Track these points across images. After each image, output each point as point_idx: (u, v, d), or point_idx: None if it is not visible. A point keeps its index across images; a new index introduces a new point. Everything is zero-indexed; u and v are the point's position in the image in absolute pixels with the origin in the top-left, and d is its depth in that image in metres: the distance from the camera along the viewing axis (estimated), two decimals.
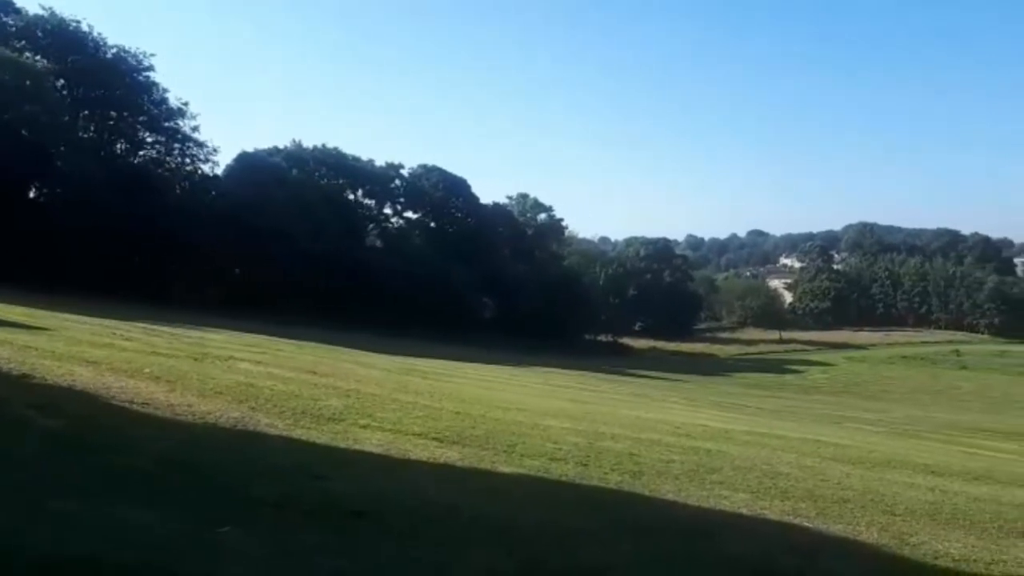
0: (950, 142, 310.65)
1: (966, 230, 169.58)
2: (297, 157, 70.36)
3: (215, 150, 59.91)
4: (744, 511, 6.64)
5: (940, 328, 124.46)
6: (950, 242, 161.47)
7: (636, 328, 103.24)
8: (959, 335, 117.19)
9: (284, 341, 24.74)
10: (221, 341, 19.70)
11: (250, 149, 67.10)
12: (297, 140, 72.58)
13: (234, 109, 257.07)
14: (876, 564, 5.56)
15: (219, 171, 62.04)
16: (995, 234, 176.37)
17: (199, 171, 60.36)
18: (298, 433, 7.53)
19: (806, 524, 6.37)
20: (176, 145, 58.27)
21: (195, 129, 58.17)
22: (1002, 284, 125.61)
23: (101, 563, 3.58)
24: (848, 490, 7.98)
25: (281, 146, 71.60)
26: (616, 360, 69.78)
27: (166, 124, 57.16)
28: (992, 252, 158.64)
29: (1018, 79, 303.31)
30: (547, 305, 70.56)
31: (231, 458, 6.22)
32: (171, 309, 35.12)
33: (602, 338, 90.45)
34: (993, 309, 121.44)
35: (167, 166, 58.96)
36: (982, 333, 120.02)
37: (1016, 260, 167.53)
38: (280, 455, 6.67)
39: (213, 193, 59.81)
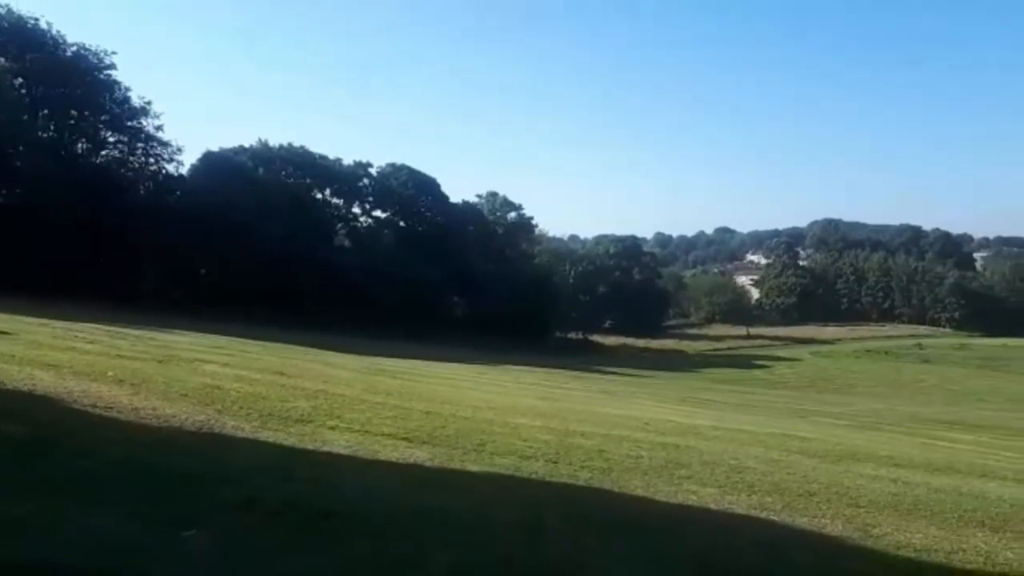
0: (912, 141, 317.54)
1: (928, 226, 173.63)
2: (263, 156, 69.54)
3: (179, 149, 59.06)
4: (712, 506, 6.71)
5: (903, 323, 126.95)
6: (912, 238, 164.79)
7: (606, 325, 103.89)
8: (921, 329, 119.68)
9: (251, 342, 24.47)
10: (187, 343, 19.43)
11: (215, 148, 66.29)
12: (263, 139, 71.73)
13: (199, 109, 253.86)
14: (841, 556, 5.64)
15: (184, 171, 61.21)
16: (955, 230, 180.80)
17: (163, 171, 59.43)
18: (265, 435, 7.45)
19: (772, 518, 6.46)
20: (139, 144, 57.28)
21: (159, 128, 57.29)
22: (962, 279, 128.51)
23: (58, 568, 3.51)
24: (814, 483, 8.09)
25: (247, 145, 70.77)
26: (586, 357, 70.09)
27: (128, 123, 56.15)
28: (952, 248, 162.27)
29: (977, 80, 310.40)
30: (517, 303, 70.60)
31: (196, 461, 6.13)
32: (136, 311, 34.51)
33: (572, 336, 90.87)
34: (954, 303, 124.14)
35: (130, 166, 57.94)
36: (943, 327, 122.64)
37: (976, 255, 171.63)
38: (247, 457, 6.60)
39: (178, 193, 58.94)
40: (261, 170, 66.98)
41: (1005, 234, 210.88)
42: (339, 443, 7.48)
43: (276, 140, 72.16)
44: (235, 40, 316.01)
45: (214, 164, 61.95)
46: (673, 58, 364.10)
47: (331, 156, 74.61)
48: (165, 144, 57.81)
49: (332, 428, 8.19)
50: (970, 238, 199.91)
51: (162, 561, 3.84)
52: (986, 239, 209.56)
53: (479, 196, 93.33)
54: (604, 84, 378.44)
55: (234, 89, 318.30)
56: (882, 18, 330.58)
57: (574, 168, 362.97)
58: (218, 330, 28.53)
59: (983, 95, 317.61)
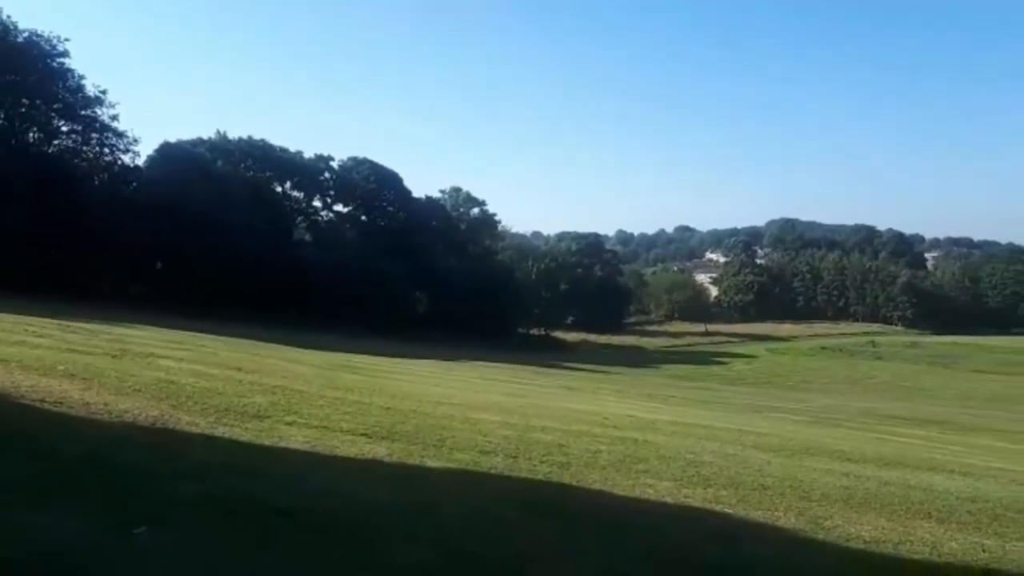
0: (868, 142, 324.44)
1: (881, 226, 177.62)
2: (222, 148, 68.45)
3: (135, 140, 57.73)
4: (668, 499, 6.80)
5: (857, 320, 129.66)
6: (867, 238, 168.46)
7: (568, 321, 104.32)
8: (875, 327, 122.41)
9: (208, 337, 24.07)
10: (142, 337, 19.03)
11: (173, 140, 64.99)
12: (222, 131, 70.60)
13: (157, 100, 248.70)
14: (793, 548, 5.75)
15: (140, 162, 59.95)
16: (908, 230, 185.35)
17: (119, 162, 58.05)
18: (221, 431, 7.34)
19: (727, 511, 6.56)
20: (93, 134, 55.85)
21: (114, 118, 55.92)
22: (914, 278, 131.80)
23: (5, 566, 3.43)
24: (768, 477, 8.24)
25: (206, 137, 69.56)
26: (548, 353, 70.29)
27: (82, 112, 54.70)
28: (905, 248, 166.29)
29: (929, 84, 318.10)
30: (480, 299, 70.53)
31: (149, 457, 6.01)
32: (90, 305, 33.66)
33: (535, 332, 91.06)
34: (906, 302, 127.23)
35: (84, 156, 56.50)
36: (896, 325, 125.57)
37: (927, 255, 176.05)
38: (201, 453, 6.49)
39: (134, 185, 57.70)
40: (220, 162, 65.93)
41: (955, 235, 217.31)
42: (297, 439, 7.40)
43: (236, 132, 71.22)
44: (194, 31, 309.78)
45: (171, 156, 60.73)
46: (634, 58, 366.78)
47: (292, 149, 73.82)
48: (120, 134, 56.52)
49: (290, 424, 8.11)
50: (922, 238, 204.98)
51: (112, 559, 3.77)
52: (937, 240, 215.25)
53: (442, 191, 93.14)
54: (566, 83, 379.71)
55: (193, 81, 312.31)
56: (838, 19, 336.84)
57: (537, 165, 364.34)
58: (174, 325, 28.03)
59: (935, 99, 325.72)
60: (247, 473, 5.92)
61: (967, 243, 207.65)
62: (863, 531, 6.22)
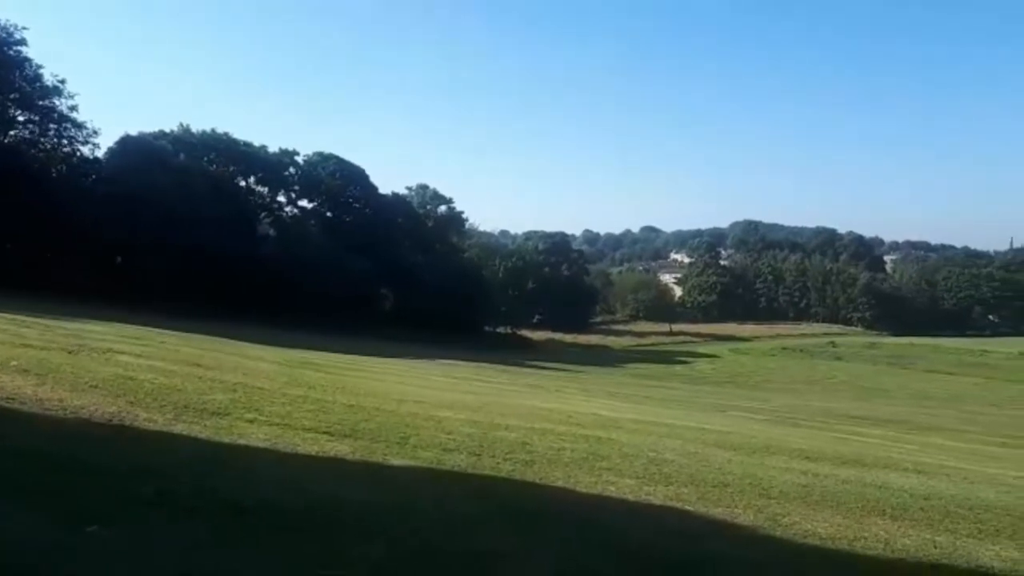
0: (830, 146, 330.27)
1: (842, 229, 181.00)
2: (185, 141, 67.25)
3: (95, 132, 56.54)
4: (630, 497, 6.84)
5: (818, 321, 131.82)
6: (827, 240, 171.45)
7: (534, 320, 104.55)
8: (835, 328, 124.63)
9: (169, 333, 23.65)
10: (100, 333, 18.62)
11: (134, 132, 63.70)
12: (185, 124, 69.36)
13: (119, 92, 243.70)
14: (751, 545, 5.82)
15: (100, 154, 58.67)
16: (868, 233, 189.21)
17: (78, 153, 56.76)
18: (179, 428, 7.22)
19: (688, 508, 6.62)
20: (52, 125, 54.55)
21: (73, 109, 54.66)
22: (873, 280, 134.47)
23: None
24: (728, 475, 8.33)
25: (168, 130, 68.27)
26: (515, 352, 70.36)
27: (40, 102, 53.37)
28: (865, 250, 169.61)
29: (889, 88, 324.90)
30: (447, 297, 70.32)
31: (104, 454, 5.90)
32: (47, 300, 32.84)
33: (501, 330, 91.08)
34: (865, 304, 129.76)
35: (41, 147, 55.16)
36: (855, 326, 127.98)
37: (886, 258, 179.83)
38: (159, 451, 6.38)
39: (93, 177, 56.49)
40: (182, 156, 64.76)
41: (913, 238, 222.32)
42: (257, 437, 7.31)
43: (199, 126, 70.05)
44: (157, 22, 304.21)
45: (132, 148, 59.53)
46: (601, 60, 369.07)
47: (256, 143, 72.86)
48: (80, 126, 55.30)
49: (250, 421, 8.00)
50: (881, 241, 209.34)
51: (62, 558, 3.68)
52: (896, 243, 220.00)
53: (409, 188, 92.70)
54: (533, 82, 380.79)
55: (156, 74, 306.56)
56: (801, 24, 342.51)
57: (504, 164, 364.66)
58: (134, 320, 27.49)
59: (895, 105, 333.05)
60: (206, 471, 5.83)
61: (924, 246, 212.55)
62: (820, 528, 6.32)
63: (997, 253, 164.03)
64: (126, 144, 60.37)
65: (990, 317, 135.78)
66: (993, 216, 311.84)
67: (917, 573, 5.50)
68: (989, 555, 6.03)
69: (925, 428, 26.37)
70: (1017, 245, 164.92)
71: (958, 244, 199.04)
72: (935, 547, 6.10)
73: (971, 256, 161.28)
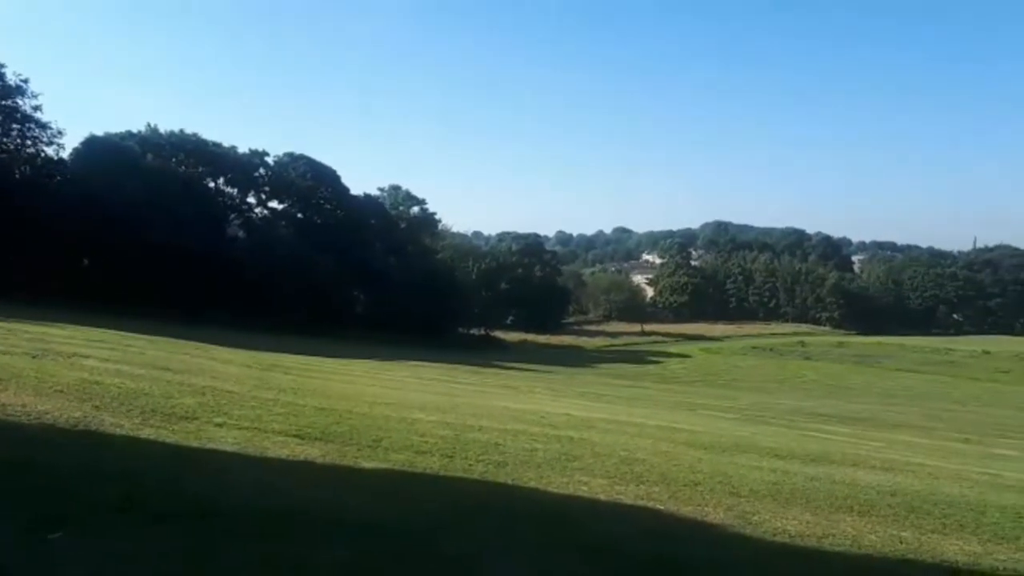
0: (798, 148, 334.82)
1: (811, 229, 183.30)
2: (153, 142, 66.16)
3: (60, 132, 55.21)
4: (602, 496, 6.87)
5: (787, 321, 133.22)
6: (796, 240, 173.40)
7: (508, 321, 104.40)
8: (804, 327, 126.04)
9: (136, 336, 23.28)
10: (65, 336, 18.28)
11: (100, 133, 62.54)
12: (152, 124, 68.20)
13: (84, 92, 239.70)
14: (722, 543, 5.88)
15: (65, 155, 57.49)
16: (836, 233, 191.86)
17: (42, 154, 55.50)
18: (146, 433, 7.12)
19: (659, 507, 6.67)
20: (15, 125, 53.29)
21: (37, 108, 53.48)
22: (842, 280, 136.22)
23: None
24: (699, 473, 8.40)
25: (135, 130, 67.13)
26: (488, 353, 70.25)
27: (3, 102, 52.17)
28: (833, 250, 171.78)
29: (854, 91, 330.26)
30: (420, 299, 69.93)
31: (69, 460, 5.79)
32: (10, 303, 32.17)
33: (474, 331, 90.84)
34: (834, 303, 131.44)
35: (4, 147, 53.89)
36: (824, 326, 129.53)
37: (854, 258, 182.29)
38: (125, 456, 6.29)
39: (58, 178, 55.28)
40: (150, 156, 63.72)
41: (880, 239, 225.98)
42: (226, 441, 7.23)
43: (167, 126, 68.98)
44: (125, 22, 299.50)
45: (98, 149, 58.43)
46: (574, 62, 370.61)
47: (226, 144, 71.91)
48: (44, 126, 54.13)
49: (219, 425, 7.91)
50: (849, 241, 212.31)
51: (25, 565, 3.61)
52: (863, 243, 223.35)
53: (381, 189, 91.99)
54: (506, 84, 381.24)
55: (122, 74, 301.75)
56: (767, 26, 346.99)
57: (477, 166, 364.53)
58: (101, 323, 26.99)
59: (860, 106, 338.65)
60: (173, 476, 5.75)
61: (891, 246, 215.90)
62: (789, 525, 6.39)
63: (961, 253, 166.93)
64: (92, 145, 59.26)
65: (954, 316, 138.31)
66: (957, 217, 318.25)
67: (884, 569, 5.58)
68: (953, 549, 6.15)
69: (892, 425, 26.82)
70: (980, 245, 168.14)
71: (923, 244, 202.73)
72: (901, 543, 6.21)
73: (936, 256, 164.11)
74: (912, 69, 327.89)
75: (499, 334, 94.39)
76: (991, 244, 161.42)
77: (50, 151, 55.88)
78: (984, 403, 52.38)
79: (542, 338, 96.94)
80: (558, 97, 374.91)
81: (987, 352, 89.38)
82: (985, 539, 6.59)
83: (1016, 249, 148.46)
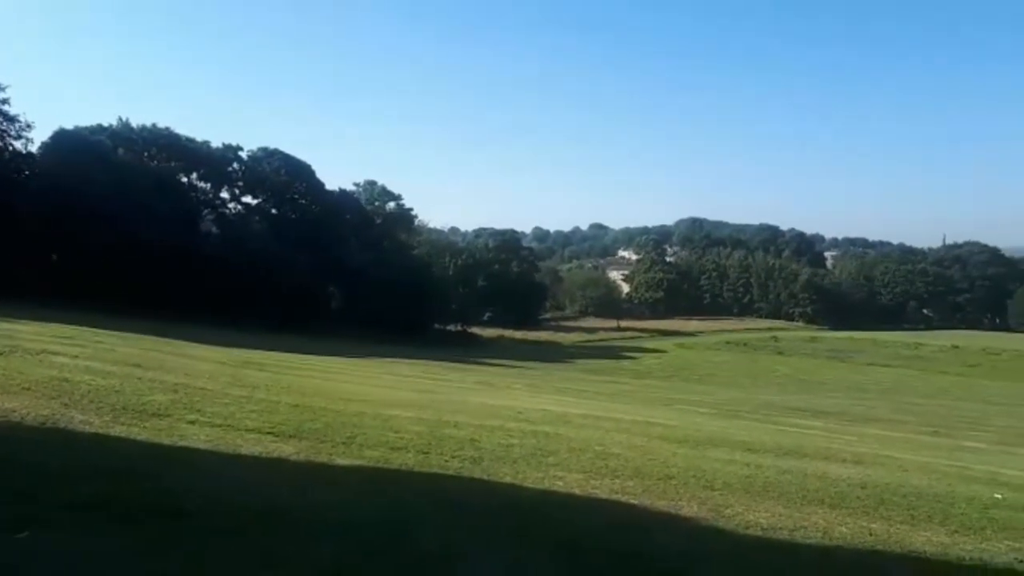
0: (772, 145, 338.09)
1: (784, 226, 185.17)
2: (124, 136, 65.17)
3: (28, 126, 54.27)
4: (576, 491, 6.89)
5: (761, 317, 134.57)
6: (770, 237, 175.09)
7: (485, 318, 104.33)
8: (777, 323, 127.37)
9: (108, 333, 22.93)
10: (33, 333, 17.93)
11: (70, 127, 61.45)
12: (124, 118, 67.09)
13: (55, 86, 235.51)
14: (695, 536, 5.93)
15: (34, 148, 56.49)
16: (809, 230, 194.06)
17: (10, 148, 54.41)
18: (117, 430, 7.03)
19: (633, 501, 6.71)
20: None
21: (5, 102, 52.54)
22: (814, 276, 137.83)
23: None
24: (673, 467, 8.45)
25: (106, 124, 66.09)
26: (465, 349, 70.22)
27: None
28: (806, 247, 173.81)
29: (827, 90, 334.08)
30: (396, 295, 69.57)
31: (36, 458, 5.70)
32: None
33: (452, 328, 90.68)
34: (806, 299, 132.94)
35: None
36: (797, 321, 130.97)
37: (827, 254, 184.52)
38: (95, 454, 6.20)
39: (27, 173, 54.36)
40: (121, 151, 62.81)
41: (852, 235, 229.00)
42: (199, 438, 7.15)
43: (139, 120, 67.96)
44: (96, 15, 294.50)
45: (68, 143, 57.40)
46: (549, 58, 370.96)
47: (199, 138, 71.01)
48: (12, 119, 53.13)
49: (191, 422, 7.83)
50: (822, 238, 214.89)
51: None
52: (836, 239, 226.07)
53: (356, 184, 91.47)
54: (484, 82, 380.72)
55: (94, 68, 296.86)
56: (741, 24, 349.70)
57: (455, 162, 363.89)
58: (72, 320, 26.54)
59: (833, 105, 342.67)
60: (144, 474, 5.68)
61: (863, 243, 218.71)
62: (761, 518, 6.46)
63: (931, 250, 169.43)
64: (61, 139, 58.22)
65: (924, 311, 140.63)
66: (927, 214, 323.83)
67: (854, 560, 5.66)
68: (921, 540, 6.25)
69: (863, 419, 27.18)
70: (949, 242, 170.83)
71: (895, 241, 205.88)
72: (871, 534, 6.30)
73: (907, 252, 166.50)
74: (884, 69, 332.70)
75: (476, 330, 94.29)
76: (960, 241, 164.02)
77: (18, 145, 54.93)
78: (953, 397, 53.28)
79: (519, 334, 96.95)
80: (535, 94, 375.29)
81: (956, 346, 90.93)
82: (952, 530, 6.70)
83: (984, 246, 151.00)
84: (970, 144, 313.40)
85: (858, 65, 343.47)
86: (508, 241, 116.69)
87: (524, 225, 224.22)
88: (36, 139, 56.50)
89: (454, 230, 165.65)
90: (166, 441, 6.89)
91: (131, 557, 3.95)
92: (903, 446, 16.23)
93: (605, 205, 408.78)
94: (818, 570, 5.40)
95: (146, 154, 65.96)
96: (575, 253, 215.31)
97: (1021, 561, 5.92)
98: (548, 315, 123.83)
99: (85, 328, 23.42)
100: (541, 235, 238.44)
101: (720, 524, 6.22)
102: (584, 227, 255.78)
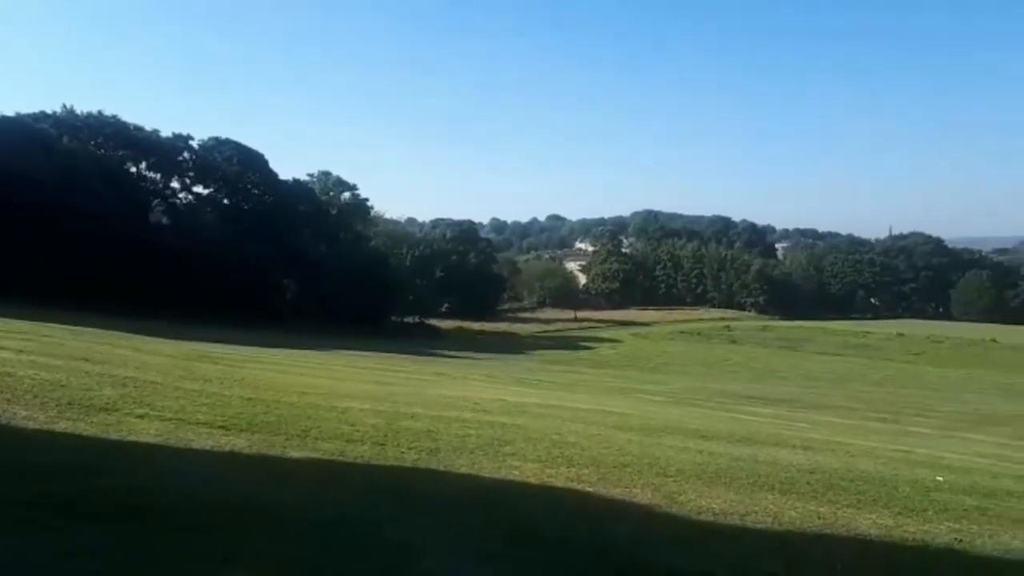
0: (724, 138, 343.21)
1: (737, 217, 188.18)
2: (69, 124, 63.14)
3: None
4: (532, 479, 6.94)
5: (714, 307, 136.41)
6: (723, 228, 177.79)
7: (442, 309, 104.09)
8: (730, 313, 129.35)
9: (54, 326, 22.30)
10: None
11: (10, 113, 59.40)
12: (68, 105, 64.97)
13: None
14: (649, 522, 6.02)
15: None
16: (760, 221, 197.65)
17: None
18: (62, 426, 6.84)
19: (588, 489, 6.78)
20: None
21: None
22: (766, 266, 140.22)
23: None
24: (628, 455, 8.55)
25: (50, 111, 63.94)
26: (423, 341, 69.93)
27: None
28: (758, 237, 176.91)
29: (778, 83, 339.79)
30: (352, 287, 68.86)
31: None
32: None
33: (409, 320, 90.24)
34: (758, 289, 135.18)
35: None
36: (749, 311, 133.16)
37: (777, 245, 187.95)
38: (39, 450, 6.03)
39: None
40: (66, 139, 60.93)
41: (802, 226, 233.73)
42: (147, 432, 7.01)
43: (84, 107, 65.88)
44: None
45: (8, 131, 55.38)
46: (506, 50, 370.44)
47: (148, 127, 69.20)
48: None
49: (140, 417, 7.66)
50: (773, 229, 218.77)
51: None
52: (787, 230, 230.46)
53: (310, 175, 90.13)
54: (439, 73, 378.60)
55: (36, 51, 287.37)
56: (703, 20, 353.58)
57: (411, 153, 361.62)
58: (15, 314, 25.74)
59: (783, 98, 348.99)
60: (91, 470, 5.54)
61: (813, 234, 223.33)
62: (713, 504, 6.58)
63: (878, 241, 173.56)
64: (0, 126, 56.29)
65: (872, 300, 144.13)
66: (874, 206, 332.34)
67: (802, 543, 5.81)
68: (867, 523, 6.44)
69: (813, 407, 27.84)
70: (895, 233, 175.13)
71: (843, 232, 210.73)
72: (819, 518, 6.47)
73: (855, 243, 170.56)
74: (832, 63, 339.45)
75: (434, 322, 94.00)
76: (905, 232, 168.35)
77: None
78: (899, 384, 54.91)
79: (477, 325, 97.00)
80: (491, 85, 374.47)
81: (901, 335, 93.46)
82: (896, 512, 6.91)
83: (928, 237, 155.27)
84: (915, 138, 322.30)
85: (806, 59, 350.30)
86: (466, 232, 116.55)
87: (482, 216, 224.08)
88: None
89: (411, 221, 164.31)
90: (114, 436, 6.74)
91: (78, 554, 3.85)
92: (852, 432, 16.66)
93: (563, 196, 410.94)
94: (768, 554, 5.52)
95: (92, 143, 64.06)
96: (533, 244, 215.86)
97: (960, 541, 6.13)
98: (506, 306, 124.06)
99: (31, 322, 22.74)
100: (499, 226, 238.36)
101: (673, 510, 6.32)
102: (542, 218, 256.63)
